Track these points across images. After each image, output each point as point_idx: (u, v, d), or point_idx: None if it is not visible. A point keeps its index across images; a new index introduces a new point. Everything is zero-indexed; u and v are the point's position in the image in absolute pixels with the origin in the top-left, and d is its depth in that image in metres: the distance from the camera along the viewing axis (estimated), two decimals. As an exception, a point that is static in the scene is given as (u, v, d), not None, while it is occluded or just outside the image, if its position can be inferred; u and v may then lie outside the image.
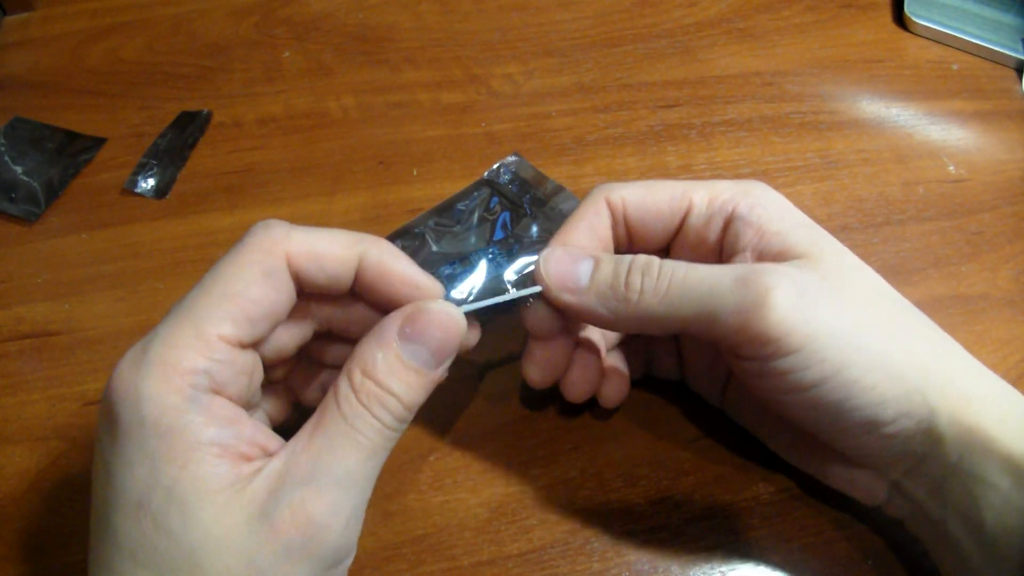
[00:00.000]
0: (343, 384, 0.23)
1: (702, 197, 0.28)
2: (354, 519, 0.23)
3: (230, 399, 0.23)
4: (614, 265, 0.26)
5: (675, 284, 0.25)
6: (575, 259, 0.27)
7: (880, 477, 0.27)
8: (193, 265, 0.39)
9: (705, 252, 0.29)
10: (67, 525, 0.31)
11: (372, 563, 0.30)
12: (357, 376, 0.23)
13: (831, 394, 0.24)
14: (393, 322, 0.24)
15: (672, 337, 0.33)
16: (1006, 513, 0.24)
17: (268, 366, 0.26)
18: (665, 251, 0.31)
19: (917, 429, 0.25)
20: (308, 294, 0.25)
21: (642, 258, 0.26)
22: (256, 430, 0.23)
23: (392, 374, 0.23)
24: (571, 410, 0.34)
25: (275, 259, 0.23)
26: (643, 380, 0.34)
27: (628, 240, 0.30)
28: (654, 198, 0.29)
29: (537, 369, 0.30)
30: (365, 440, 0.23)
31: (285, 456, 0.22)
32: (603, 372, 0.31)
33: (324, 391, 0.27)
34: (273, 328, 0.24)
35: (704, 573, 0.29)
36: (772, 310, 0.24)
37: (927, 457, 0.25)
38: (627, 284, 0.26)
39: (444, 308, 0.25)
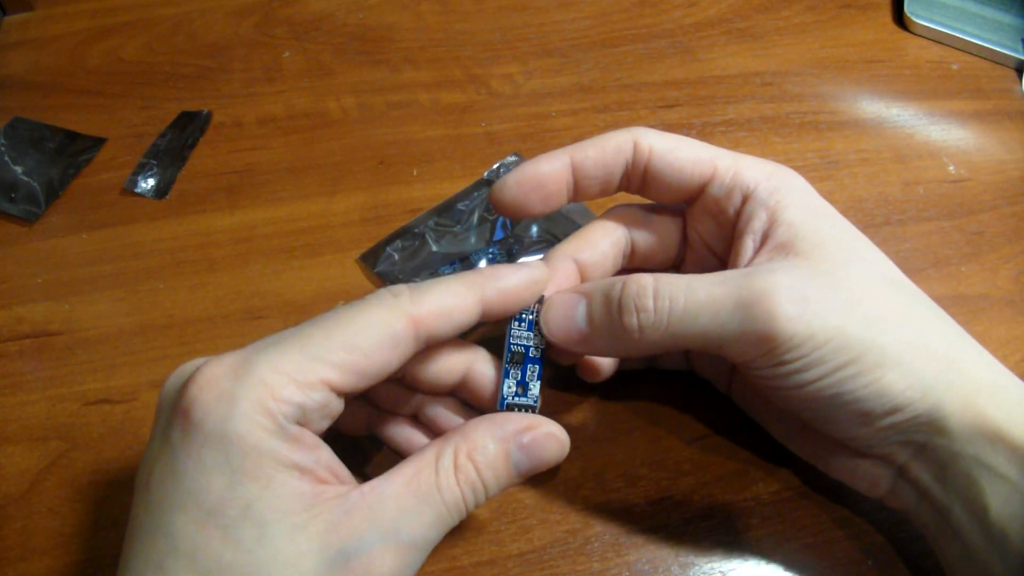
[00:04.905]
0: (447, 456, 0.24)
1: (728, 167, 0.28)
2: None
3: (311, 431, 0.24)
4: (604, 304, 0.26)
5: (674, 317, 0.25)
6: (569, 307, 0.27)
7: (884, 465, 0.27)
8: (193, 265, 0.39)
9: (723, 222, 0.29)
10: (67, 525, 0.31)
11: (372, 563, 0.30)
12: (463, 456, 0.24)
13: (828, 389, 0.25)
14: (515, 422, 0.25)
15: None
16: (1014, 503, 0.24)
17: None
18: (681, 216, 0.31)
19: (917, 420, 0.25)
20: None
21: (632, 287, 0.26)
22: (331, 458, 0.24)
23: (493, 468, 0.25)
24: (571, 410, 0.34)
25: (404, 326, 0.24)
26: (646, 373, 0.34)
27: (640, 187, 0.30)
28: (679, 155, 0.28)
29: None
30: (447, 516, 0.24)
31: (371, 498, 0.23)
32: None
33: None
34: (374, 384, 0.24)
35: (704, 573, 0.29)
36: (779, 332, 0.24)
37: (928, 445, 0.25)
38: (624, 327, 0.26)
39: (561, 436, 0.26)
